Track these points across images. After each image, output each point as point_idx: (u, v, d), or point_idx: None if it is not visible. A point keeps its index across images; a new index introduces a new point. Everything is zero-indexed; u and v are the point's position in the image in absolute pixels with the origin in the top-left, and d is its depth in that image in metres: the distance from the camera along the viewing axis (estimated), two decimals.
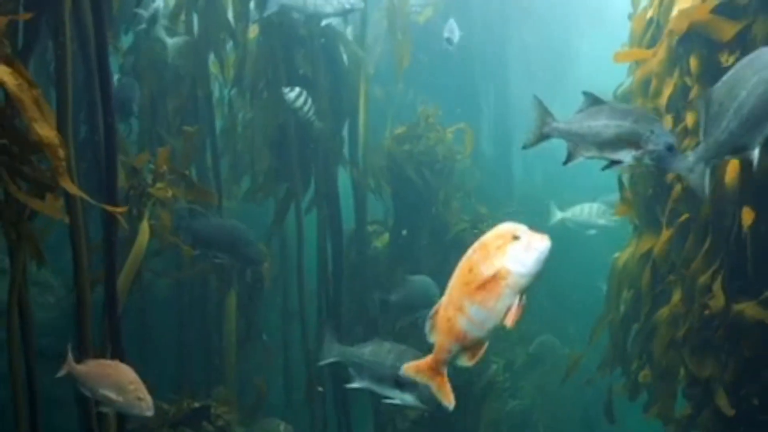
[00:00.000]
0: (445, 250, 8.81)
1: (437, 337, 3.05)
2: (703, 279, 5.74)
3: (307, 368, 8.40)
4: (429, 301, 7.72)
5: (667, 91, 5.90)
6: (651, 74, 6.00)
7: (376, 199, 8.93)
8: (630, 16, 6.62)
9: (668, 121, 5.96)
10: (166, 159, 6.31)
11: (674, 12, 5.69)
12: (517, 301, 2.93)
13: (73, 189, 4.45)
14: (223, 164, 8.40)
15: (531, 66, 12.78)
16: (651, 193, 6.41)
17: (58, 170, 4.28)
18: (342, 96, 8.23)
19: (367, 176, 8.45)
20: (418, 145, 8.68)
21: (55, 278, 8.30)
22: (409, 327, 7.85)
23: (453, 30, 8.44)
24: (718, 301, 5.61)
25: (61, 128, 4.69)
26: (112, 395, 4.65)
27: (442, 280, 8.44)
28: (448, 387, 3.11)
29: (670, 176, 5.88)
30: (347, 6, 7.25)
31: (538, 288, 9.56)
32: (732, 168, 5.36)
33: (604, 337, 7.17)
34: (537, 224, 9.29)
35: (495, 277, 2.90)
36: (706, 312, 5.72)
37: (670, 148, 4.47)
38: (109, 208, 4.99)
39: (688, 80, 5.76)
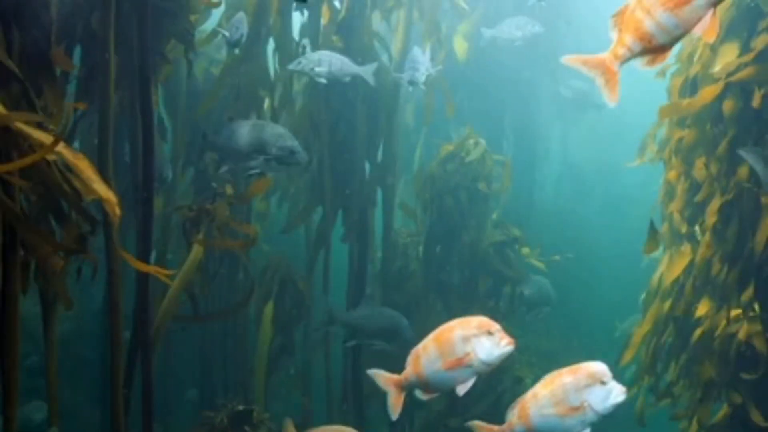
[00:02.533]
0: (475, 269, 9.00)
1: (621, 34, 2.99)
2: (734, 301, 6.08)
3: (327, 386, 8.64)
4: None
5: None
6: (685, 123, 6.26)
7: (410, 220, 9.12)
8: (657, 75, 6.81)
9: (701, 168, 6.22)
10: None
11: (716, 67, 5.92)
12: (710, 13, 2.82)
13: (120, 246, 4.86)
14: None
15: (558, 94, 12.89)
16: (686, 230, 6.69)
17: (113, 225, 4.68)
18: (378, 120, 8.42)
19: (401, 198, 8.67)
20: (460, 168, 8.82)
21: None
22: None
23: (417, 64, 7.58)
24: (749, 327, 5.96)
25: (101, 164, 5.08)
26: None
27: (471, 298, 8.65)
28: (617, 85, 3.04)
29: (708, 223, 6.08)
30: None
31: (562, 305, 9.72)
32: None
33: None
34: (553, 242, 9.37)
35: None
36: (738, 336, 6.04)
37: None
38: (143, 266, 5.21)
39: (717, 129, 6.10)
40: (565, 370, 4.14)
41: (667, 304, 6.99)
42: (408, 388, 4.34)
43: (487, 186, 8.84)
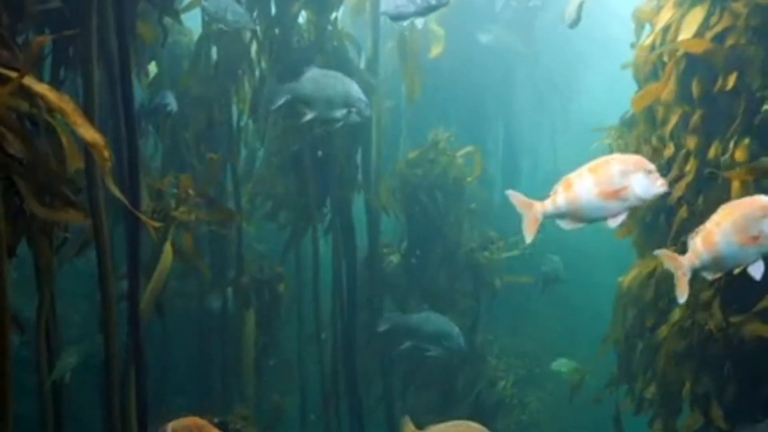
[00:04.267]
0: (456, 269, 9.10)
1: None
2: (702, 296, 6.01)
3: (322, 386, 8.66)
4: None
5: (674, 119, 6.20)
6: (658, 103, 6.29)
7: (389, 221, 9.20)
8: (633, 45, 6.87)
9: (670, 147, 6.26)
10: (189, 183, 6.62)
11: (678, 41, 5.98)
12: None
13: (114, 189, 4.68)
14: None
15: (538, 94, 13.08)
16: (651, 218, 6.70)
17: (103, 169, 4.52)
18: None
19: (380, 199, 8.69)
20: (431, 170, 8.93)
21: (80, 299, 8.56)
22: None
23: None
24: (716, 317, 5.90)
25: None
26: None
27: (454, 297, 8.76)
28: None
29: (673, 197, 6.13)
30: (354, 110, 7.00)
31: (546, 307, 9.86)
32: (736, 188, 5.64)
33: (611, 355, 7.42)
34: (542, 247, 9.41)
35: None
36: (706, 328, 5.98)
37: None
38: (139, 216, 5.27)
39: (688, 108, 6.08)
40: (736, 203, 4.39)
41: (636, 310, 7.02)
42: (554, 214, 4.37)
43: (459, 177, 9.03)
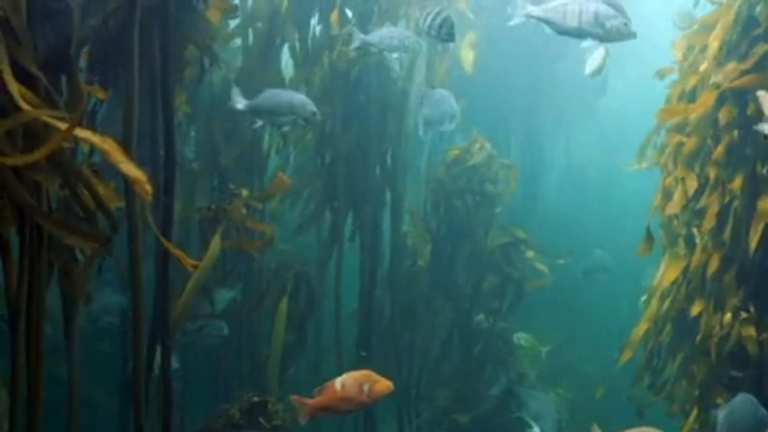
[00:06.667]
0: (482, 270, 9.23)
1: None
2: (729, 302, 6.22)
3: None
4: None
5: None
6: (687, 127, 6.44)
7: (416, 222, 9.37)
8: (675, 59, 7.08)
9: (692, 179, 6.44)
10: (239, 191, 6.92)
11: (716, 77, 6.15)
12: None
13: (152, 222, 4.85)
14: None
15: (562, 96, 13.09)
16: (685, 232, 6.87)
17: (145, 203, 4.73)
18: (388, 125, 8.67)
19: (408, 201, 8.96)
20: (468, 170, 9.12)
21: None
22: None
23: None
24: (746, 329, 6.07)
25: None
26: None
27: (478, 299, 8.91)
28: None
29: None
30: (406, 43, 7.24)
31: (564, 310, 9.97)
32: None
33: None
34: (557, 244, 9.58)
35: None
36: (733, 336, 6.15)
37: None
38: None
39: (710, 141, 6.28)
40: None
41: (666, 305, 7.18)
42: None
43: (494, 188, 9.15)
